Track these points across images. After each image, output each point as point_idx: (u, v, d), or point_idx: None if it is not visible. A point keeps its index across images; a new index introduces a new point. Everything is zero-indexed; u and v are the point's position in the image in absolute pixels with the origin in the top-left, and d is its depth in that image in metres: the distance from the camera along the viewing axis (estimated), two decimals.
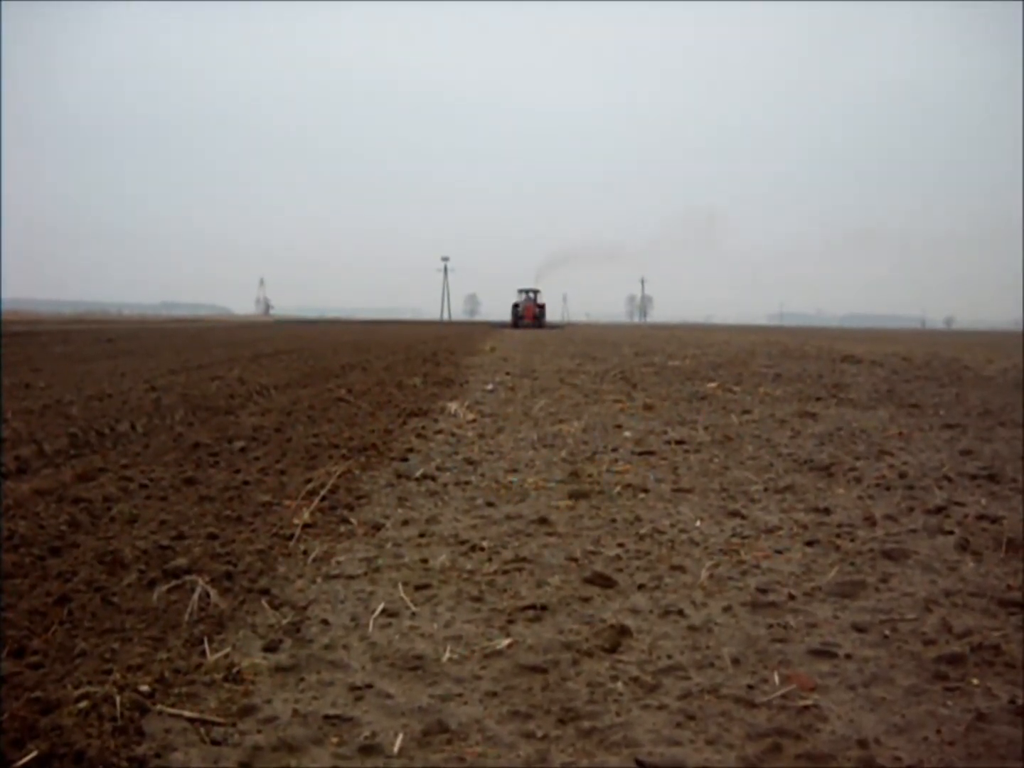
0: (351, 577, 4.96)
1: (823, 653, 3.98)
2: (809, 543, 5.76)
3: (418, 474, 7.74)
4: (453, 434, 10.30)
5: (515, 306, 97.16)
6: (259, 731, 3.20)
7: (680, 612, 4.46)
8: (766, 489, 7.39)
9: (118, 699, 3.23)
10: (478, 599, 4.62)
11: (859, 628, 4.28)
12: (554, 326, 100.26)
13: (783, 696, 3.52)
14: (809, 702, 3.47)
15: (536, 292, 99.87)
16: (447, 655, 3.89)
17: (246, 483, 7.15)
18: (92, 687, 3.32)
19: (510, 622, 4.31)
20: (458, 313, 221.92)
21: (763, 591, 4.79)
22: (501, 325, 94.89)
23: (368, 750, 3.08)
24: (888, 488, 7.46)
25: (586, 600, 4.63)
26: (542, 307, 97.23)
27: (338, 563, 5.20)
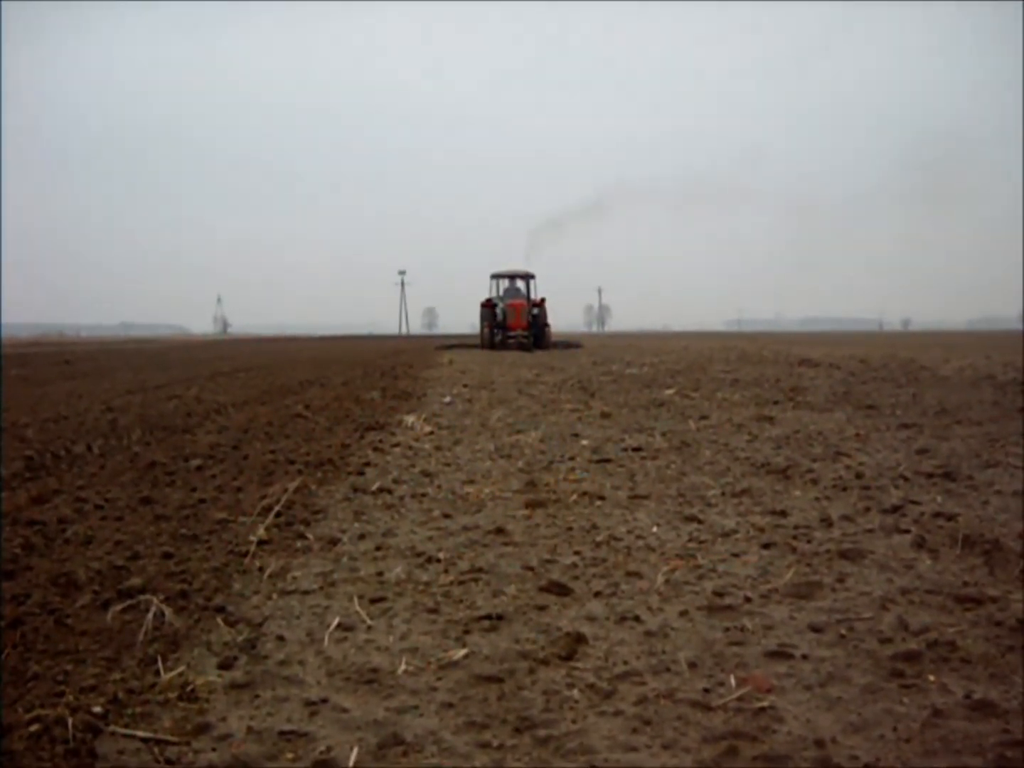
0: (307, 592, 4.92)
1: (779, 654, 3.98)
2: (766, 545, 5.77)
3: (375, 487, 7.70)
4: (410, 447, 10.27)
5: (487, 306, 50.47)
6: (214, 749, 3.17)
7: (636, 618, 4.44)
8: (723, 493, 7.39)
9: (70, 721, 3.19)
10: (434, 610, 4.60)
11: (816, 628, 4.29)
12: (567, 344, 53.53)
13: (739, 698, 3.51)
14: (765, 703, 3.47)
15: (530, 277, 52.47)
16: (403, 667, 3.86)
17: (202, 501, 7.10)
18: (44, 710, 3.27)
19: (466, 632, 4.29)
20: (416, 327, 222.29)
21: (719, 594, 4.79)
22: (458, 345, 54.27)
23: (323, 765, 3.05)
24: (845, 489, 7.48)
25: (542, 608, 4.61)
26: (541, 305, 50.51)
27: (294, 578, 5.16)
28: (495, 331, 49.44)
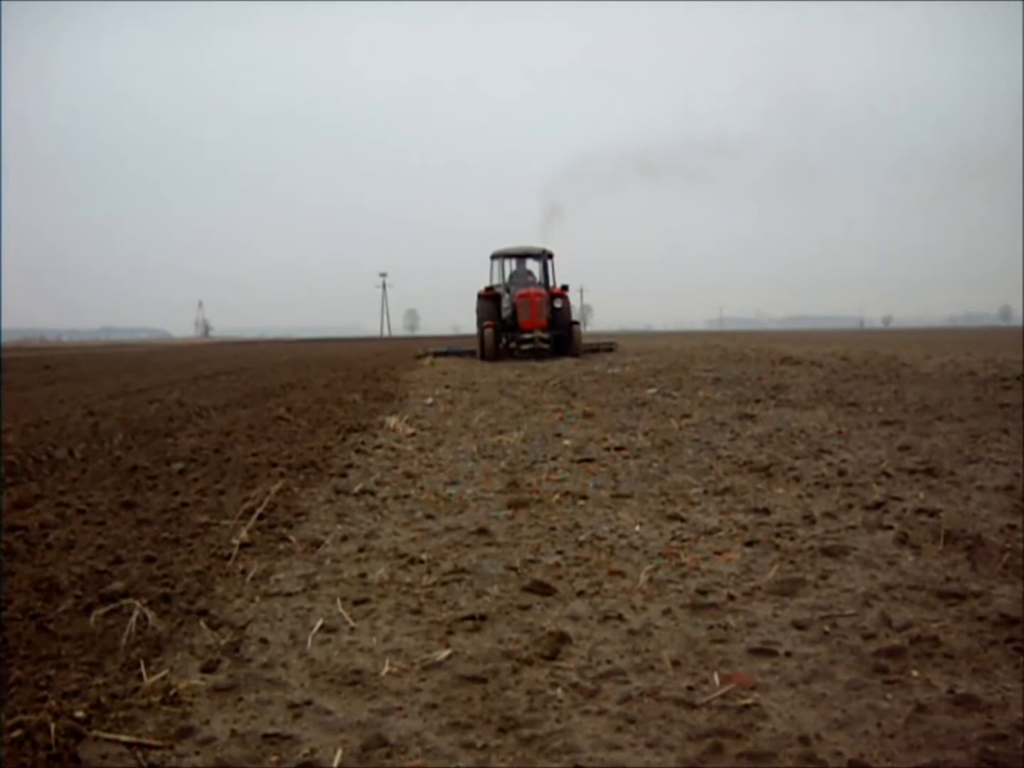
0: (290, 594, 4.91)
1: (763, 652, 3.98)
2: (749, 543, 5.76)
3: (357, 489, 7.70)
4: (392, 448, 10.26)
5: (488, 297, 35.31)
6: (197, 752, 3.16)
7: (619, 617, 4.44)
8: (705, 492, 7.39)
9: (53, 726, 3.17)
10: (417, 611, 4.59)
11: (799, 625, 4.29)
12: (596, 348, 39.85)
13: (723, 696, 3.51)
14: (749, 701, 3.47)
15: (547, 257, 36.54)
16: (386, 669, 3.85)
17: (184, 505, 7.08)
18: (27, 715, 3.26)
19: (449, 633, 4.28)
20: (398, 329, 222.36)
21: (703, 592, 4.79)
22: (448, 351, 39.12)
23: (307, 767, 3.05)
24: (827, 486, 7.48)
25: (525, 608, 4.61)
26: (563, 296, 35.45)
27: (277, 581, 5.15)
28: (500, 334, 34.66)
